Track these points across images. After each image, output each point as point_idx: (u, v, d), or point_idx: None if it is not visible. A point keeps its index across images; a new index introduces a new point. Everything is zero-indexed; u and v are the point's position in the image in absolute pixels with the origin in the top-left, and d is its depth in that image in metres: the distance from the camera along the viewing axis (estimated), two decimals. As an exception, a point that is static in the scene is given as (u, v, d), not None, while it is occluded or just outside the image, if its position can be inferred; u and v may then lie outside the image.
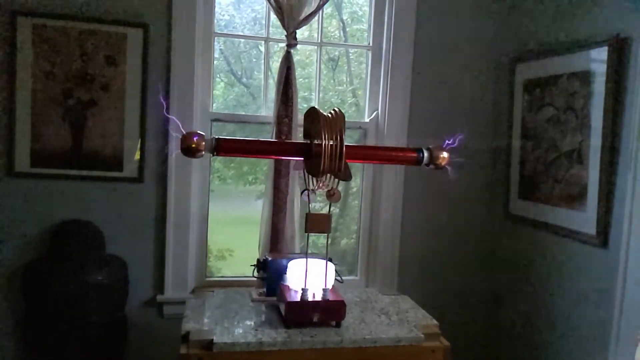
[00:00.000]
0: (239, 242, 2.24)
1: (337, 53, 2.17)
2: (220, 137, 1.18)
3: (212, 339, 1.19)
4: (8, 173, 1.64)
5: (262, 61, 1.92)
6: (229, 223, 2.01)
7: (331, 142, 1.15)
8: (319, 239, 1.96)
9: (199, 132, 1.16)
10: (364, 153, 1.34)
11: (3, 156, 1.64)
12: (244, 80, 2.31)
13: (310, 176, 1.27)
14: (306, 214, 1.27)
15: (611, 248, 1.47)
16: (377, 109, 1.94)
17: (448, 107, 1.95)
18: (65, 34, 1.64)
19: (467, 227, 2.01)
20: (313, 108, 1.24)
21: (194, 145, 1.14)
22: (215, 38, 1.85)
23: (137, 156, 1.71)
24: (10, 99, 1.62)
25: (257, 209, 1.89)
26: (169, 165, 1.74)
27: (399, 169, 1.91)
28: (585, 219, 1.54)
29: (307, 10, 1.72)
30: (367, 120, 1.96)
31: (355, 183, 2.06)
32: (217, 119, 1.85)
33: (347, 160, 1.19)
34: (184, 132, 1.15)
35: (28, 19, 1.61)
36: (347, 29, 2.31)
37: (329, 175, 1.22)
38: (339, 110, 1.20)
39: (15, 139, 1.63)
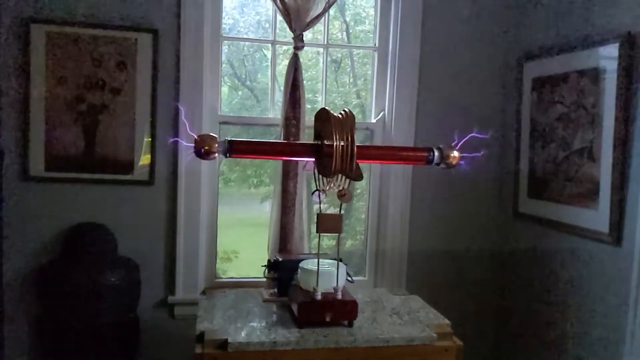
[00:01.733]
0: (243, 244, 2.26)
1: (339, 55, 2.18)
2: (233, 139, 1.19)
3: (227, 339, 1.20)
4: (23, 177, 1.67)
5: (267, 64, 1.93)
6: (233, 225, 2.02)
7: (342, 143, 1.15)
8: (323, 240, 1.96)
9: (211, 134, 1.17)
10: (374, 153, 1.35)
11: (18, 161, 1.67)
12: (248, 83, 2.33)
13: (320, 176, 1.28)
14: (317, 214, 1.28)
15: (624, 245, 1.46)
16: (384, 110, 1.94)
17: (455, 106, 1.95)
18: (77, 40, 1.67)
19: (475, 226, 2.01)
20: (324, 109, 1.25)
21: (207, 148, 1.15)
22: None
23: (142, 161, 1.71)
24: (25, 104, 1.65)
25: (262, 211, 1.89)
26: (178, 167, 1.75)
27: (406, 168, 1.91)
28: (597, 217, 1.53)
29: (313, 13, 1.73)
30: (374, 120, 1.96)
31: (360, 185, 2.07)
32: (226, 121, 1.87)
33: (357, 161, 1.20)
34: (197, 135, 1.16)
35: (41, 26, 1.64)
36: (350, 31, 2.32)
37: (339, 175, 1.23)
38: (349, 110, 1.21)
39: (30, 143, 1.66)
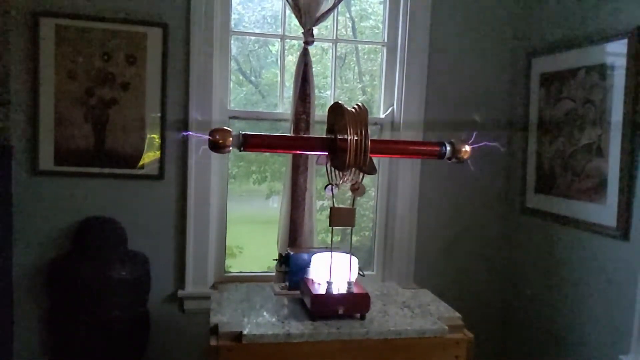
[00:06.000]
0: (247, 240, 2.26)
1: (344, 51, 2.18)
2: (247, 132, 1.19)
3: (241, 331, 1.21)
4: (32, 171, 1.67)
5: (273, 59, 1.93)
6: (236, 221, 2.03)
7: (356, 137, 1.16)
8: (327, 236, 1.98)
9: (226, 128, 1.18)
10: (387, 147, 1.36)
11: (27, 155, 1.67)
12: (253, 79, 2.34)
13: (333, 170, 1.28)
14: (330, 207, 1.29)
15: (632, 240, 1.47)
16: (393, 105, 1.95)
17: (464, 101, 1.96)
18: (86, 34, 1.67)
19: (483, 221, 2.02)
20: (337, 103, 1.25)
21: (221, 141, 1.15)
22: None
23: (144, 160, 1.70)
24: (34, 98, 1.65)
25: (265, 207, 1.89)
26: (188, 162, 1.76)
27: (415, 163, 1.92)
28: (605, 212, 1.54)
29: (324, 7, 1.73)
30: (382, 116, 1.97)
31: (365, 180, 2.07)
32: (235, 116, 1.87)
33: (371, 155, 1.21)
34: (212, 129, 1.16)
35: (50, 19, 1.64)
36: (356, 27, 2.32)
37: (353, 169, 1.23)
38: (363, 105, 1.22)
39: (39, 138, 1.66)
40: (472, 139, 1.30)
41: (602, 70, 1.57)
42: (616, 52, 1.51)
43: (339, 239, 2.03)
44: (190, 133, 1.60)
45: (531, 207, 1.90)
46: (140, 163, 1.72)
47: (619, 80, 1.50)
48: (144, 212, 1.76)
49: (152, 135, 1.73)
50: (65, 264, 1.67)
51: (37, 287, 1.70)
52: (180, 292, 1.79)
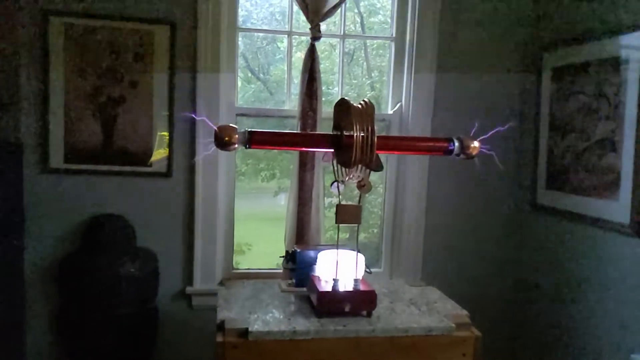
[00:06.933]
0: (255, 238, 2.27)
1: (352, 47, 2.16)
2: (253, 129, 1.19)
3: (247, 328, 1.21)
4: (43, 169, 1.70)
5: (281, 56, 1.92)
6: (245, 219, 2.04)
7: (362, 133, 1.15)
8: (335, 233, 1.97)
9: (231, 125, 1.18)
10: (394, 144, 1.34)
11: (38, 153, 1.69)
12: (261, 76, 2.34)
13: (340, 167, 1.28)
14: (337, 205, 1.29)
15: (646, 237, 1.44)
16: (401, 101, 1.93)
17: (473, 97, 1.92)
18: (95, 32, 1.68)
19: (493, 218, 1.99)
20: (343, 99, 1.24)
21: (227, 139, 1.15)
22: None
23: (156, 156, 1.72)
24: (44, 97, 1.67)
25: (274, 204, 1.88)
26: (196, 159, 1.77)
27: (422, 159, 1.90)
28: (618, 208, 1.51)
29: (331, 2, 1.72)
30: (390, 112, 1.95)
31: (374, 177, 2.06)
32: (243, 113, 1.88)
33: (377, 151, 1.20)
34: (217, 126, 1.17)
35: (59, 18, 1.66)
36: (364, 22, 2.30)
37: (359, 166, 1.22)
38: (369, 100, 1.21)
39: (50, 136, 1.68)
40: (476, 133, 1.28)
41: (615, 64, 1.53)
42: (630, 45, 1.47)
43: (347, 236, 2.02)
44: (194, 115, 1.60)
45: (542, 204, 1.87)
46: (153, 159, 1.73)
47: (633, 74, 1.46)
48: (153, 209, 1.77)
49: (162, 133, 1.74)
50: (75, 261, 1.69)
51: (47, 284, 1.73)
52: (188, 289, 1.81)
